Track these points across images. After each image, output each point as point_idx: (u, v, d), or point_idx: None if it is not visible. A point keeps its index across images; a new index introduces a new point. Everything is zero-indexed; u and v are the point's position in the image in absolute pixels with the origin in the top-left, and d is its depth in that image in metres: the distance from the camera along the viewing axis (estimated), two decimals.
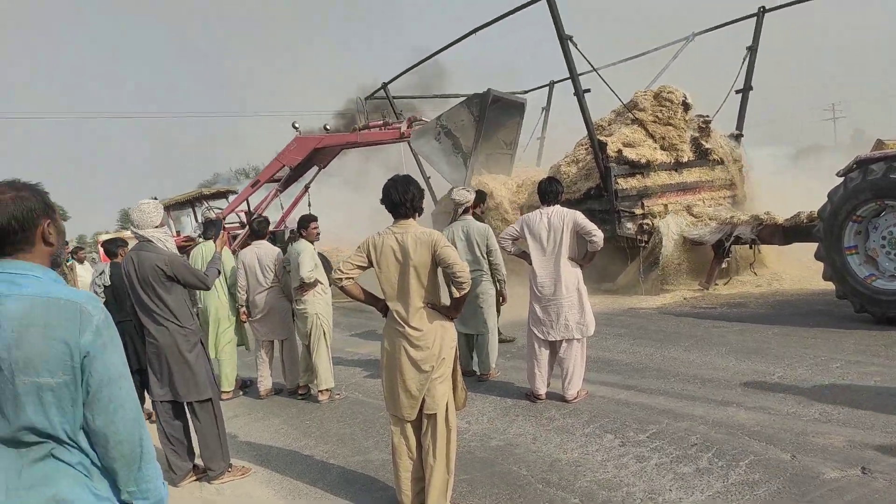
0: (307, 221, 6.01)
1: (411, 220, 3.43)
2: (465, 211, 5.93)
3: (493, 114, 12.49)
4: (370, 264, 3.45)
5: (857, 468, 3.43)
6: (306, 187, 14.98)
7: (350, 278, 3.44)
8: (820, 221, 6.96)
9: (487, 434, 4.63)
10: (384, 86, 13.72)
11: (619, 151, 9.88)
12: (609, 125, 11.25)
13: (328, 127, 14.26)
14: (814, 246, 7.08)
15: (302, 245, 5.80)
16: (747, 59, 11.00)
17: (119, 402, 1.66)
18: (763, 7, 10.79)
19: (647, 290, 9.40)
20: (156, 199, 4.80)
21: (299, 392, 6.17)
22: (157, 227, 4.17)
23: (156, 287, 4.09)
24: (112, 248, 5.93)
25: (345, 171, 21.30)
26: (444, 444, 3.43)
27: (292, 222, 11.06)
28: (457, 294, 3.44)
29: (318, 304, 5.84)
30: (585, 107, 9.84)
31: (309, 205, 14.43)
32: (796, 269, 9.06)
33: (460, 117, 11.66)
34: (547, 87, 15.43)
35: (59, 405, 1.59)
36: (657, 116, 10.55)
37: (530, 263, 5.12)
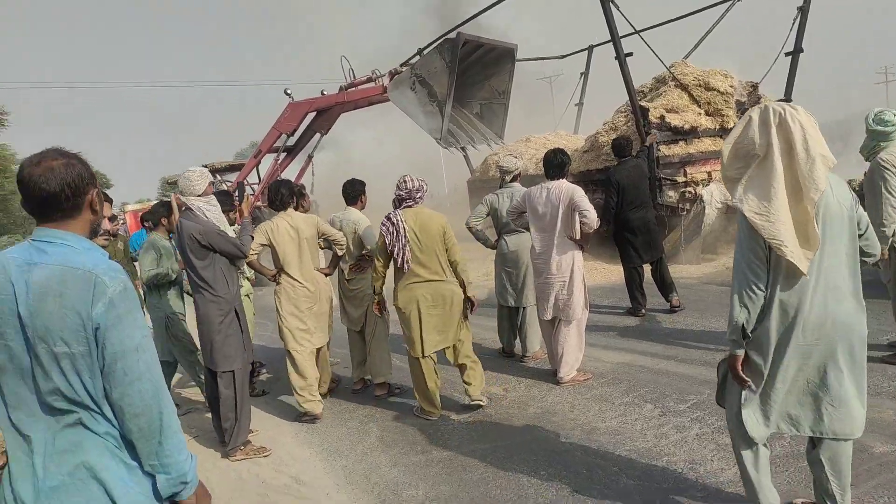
0: (357, 191, 5.27)
1: (290, 209, 4.80)
2: (514, 178, 5.57)
3: (482, 60, 12.06)
4: (269, 244, 4.67)
5: None
6: (310, 157, 14.92)
7: (255, 254, 4.66)
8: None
9: (524, 402, 4.64)
10: (420, 51, 13.42)
11: (662, 117, 9.60)
12: (650, 91, 10.94)
13: (325, 91, 14.09)
14: None
15: (357, 214, 5.23)
16: (797, 21, 10.48)
17: (135, 375, 1.61)
18: None
19: (689, 260, 9.22)
20: (205, 167, 4.66)
21: (354, 387, 5.44)
22: (199, 195, 4.16)
23: (191, 256, 4.11)
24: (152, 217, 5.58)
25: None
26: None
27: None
28: (339, 253, 4.98)
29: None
30: (627, 71, 9.54)
31: (313, 174, 14.43)
32: None
33: (433, 64, 11.30)
34: (586, 52, 15.04)
35: (79, 374, 1.59)
36: (702, 82, 10.22)
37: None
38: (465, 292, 4.47)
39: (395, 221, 4.34)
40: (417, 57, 12.75)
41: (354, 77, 13.51)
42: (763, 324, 2.44)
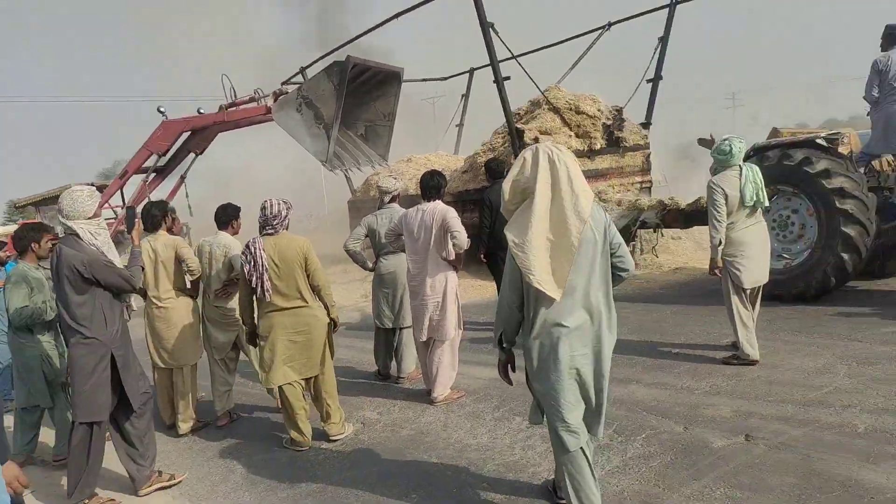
0: (230, 216, 5.18)
1: (162, 230, 4.91)
2: (392, 199, 5.55)
3: (369, 83, 12.28)
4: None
5: (741, 436, 3.66)
6: (182, 177, 14.33)
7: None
8: None
9: (398, 424, 4.62)
10: (302, 70, 13.18)
11: (536, 139, 10.08)
12: (526, 114, 11.45)
13: (201, 110, 13.61)
14: None
15: (228, 238, 5.10)
16: (658, 50, 11.36)
17: None
18: None
19: None
20: (92, 185, 4.17)
21: (218, 423, 5.12)
22: (89, 218, 3.71)
23: (68, 290, 3.64)
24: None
25: None
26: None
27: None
28: (190, 279, 4.95)
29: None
30: (504, 94, 9.94)
31: (186, 195, 13.88)
32: (695, 251, 9.55)
33: (321, 87, 11.33)
34: (467, 74, 15.50)
35: None
36: (573, 106, 10.85)
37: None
38: (329, 315, 4.42)
39: (253, 251, 4.22)
40: (300, 76, 12.58)
41: (236, 96, 13.06)
42: (529, 337, 2.79)
